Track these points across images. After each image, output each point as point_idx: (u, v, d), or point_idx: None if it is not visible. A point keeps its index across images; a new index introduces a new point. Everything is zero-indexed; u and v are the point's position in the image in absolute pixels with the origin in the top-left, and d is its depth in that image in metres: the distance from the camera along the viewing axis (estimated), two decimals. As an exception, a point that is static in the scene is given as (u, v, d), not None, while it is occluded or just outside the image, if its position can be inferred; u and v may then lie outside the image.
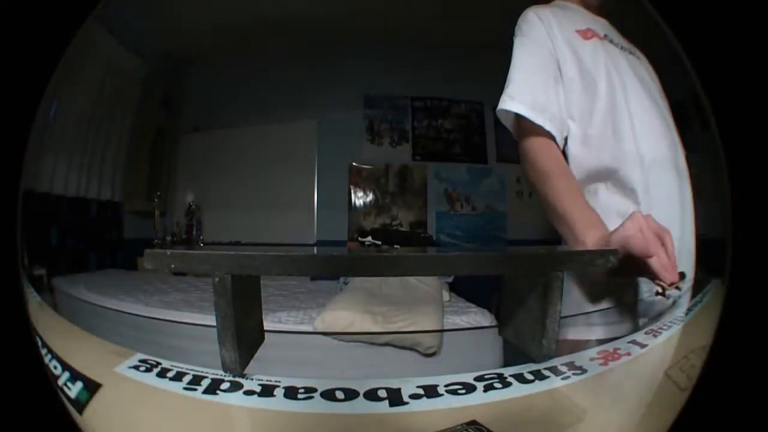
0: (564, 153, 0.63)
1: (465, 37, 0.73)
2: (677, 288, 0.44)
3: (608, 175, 0.60)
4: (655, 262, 0.43)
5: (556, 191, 0.58)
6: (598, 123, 0.61)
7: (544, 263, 0.37)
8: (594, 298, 0.56)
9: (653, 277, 0.43)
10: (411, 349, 0.58)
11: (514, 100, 0.61)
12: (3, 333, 0.48)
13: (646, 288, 0.58)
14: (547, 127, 0.60)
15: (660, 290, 0.44)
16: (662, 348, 0.42)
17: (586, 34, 0.64)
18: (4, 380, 0.47)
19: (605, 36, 0.65)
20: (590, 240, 0.50)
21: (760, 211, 0.50)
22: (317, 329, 0.72)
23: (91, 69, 0.75)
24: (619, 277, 0.48)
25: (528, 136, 0.62)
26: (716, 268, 0.50)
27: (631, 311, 0.54)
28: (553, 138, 0.60)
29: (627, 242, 0.42)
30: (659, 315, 0.49)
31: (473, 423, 0.30)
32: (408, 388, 0.33)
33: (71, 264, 0.73)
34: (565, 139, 0.62)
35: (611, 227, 0.58)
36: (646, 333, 0.44)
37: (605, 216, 0.59)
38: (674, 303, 0.47)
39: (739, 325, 0.47)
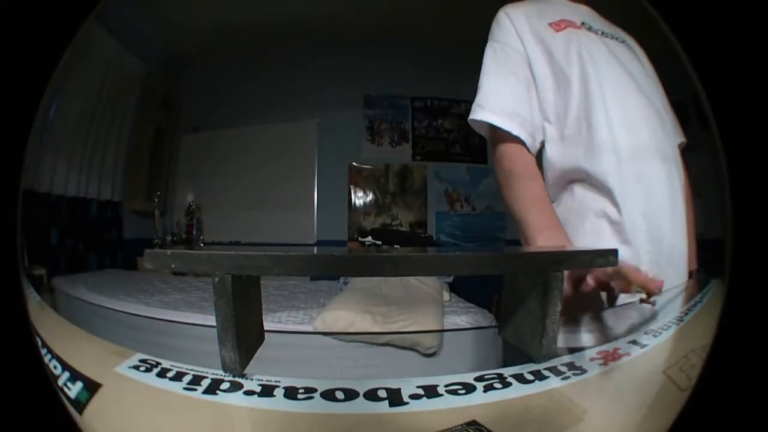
0: (541, 156, 0.63)
1: (465, 37, 0.73)
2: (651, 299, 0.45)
3: (582, 174, 0.59)
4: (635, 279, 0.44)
5: (515, 194, 0.58)
6: (572, 120, 0.60)
7: (544, 263, 0.37)
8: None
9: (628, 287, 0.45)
10: (411, 349, 0.58)
11: (484, 109, 0.61)
12: (3, 333, 0.48)
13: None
14: (516, 132, 0.59)
15: (645, 297, 0.45)
16: (662, 348, 0.42)
17: (559, 25, 0.63)
18: (4, 380, 0.47)
19: (582, 24, 0.64)
20: (540, 243, 0.50)
21: (760, 211, 0.50)
22: (317, 329, 0.73)
23: (91, 69, 0.75)
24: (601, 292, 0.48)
25: (498, 141, 0.61)
26: (716, 268, 0.50)
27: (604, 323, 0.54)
28: (523, 142, 0.60)
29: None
30: (635, 328, 0.49)
31: (473, 423, 0.30)
32: (408, 388, 0.33)
33: (71, 264, 0.73)
34: (543, 143, 0.62)
35: (587, 226, 0.58)
36: (646, 333, 0.44)
37: (581, 216, 0.59)
38: (654, 315, 0.48)
39: (739, 325, 0.47)
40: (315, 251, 0.33)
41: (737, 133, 0.51)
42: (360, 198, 1.06)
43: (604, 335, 0.47)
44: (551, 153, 0.62)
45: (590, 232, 0.58)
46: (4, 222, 0.49)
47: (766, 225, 0.50)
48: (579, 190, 0.60)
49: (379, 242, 1.02)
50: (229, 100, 1.00)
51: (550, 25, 0.63)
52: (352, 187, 1.06)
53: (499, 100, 0.61)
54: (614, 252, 0.37)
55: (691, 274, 0.62)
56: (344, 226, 1.05)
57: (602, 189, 0.58)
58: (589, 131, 0.59)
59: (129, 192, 0.88)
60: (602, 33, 0.64)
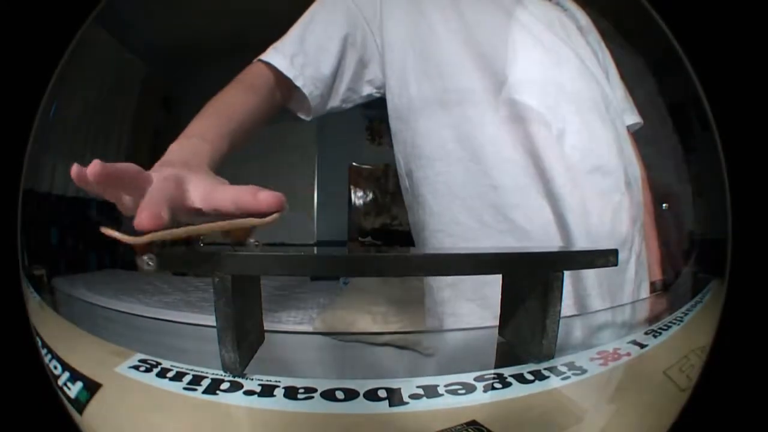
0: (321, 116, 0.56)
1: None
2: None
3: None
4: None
5: (215, 98, 0.50)
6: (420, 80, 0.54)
7: (544, 263, 0.37)
8: None
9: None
10: (411, 349, 0.58)
11: (276, 51, 0.55)
12: (3, 333, 0.48)
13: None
14: (295, 78, 0.52)
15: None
16: (662, 348, 0.42)
17: None
18: (4, 380, 0.47)
19: None
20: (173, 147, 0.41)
21: (760, 211, 0.50)
22: (317, 329, 0.73)
23: (91, 69, 0.75)
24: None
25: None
26: (716, 268, 0.50)
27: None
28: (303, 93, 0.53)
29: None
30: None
31: (473, 423, 0.30)
32: (408, 388, 0.33)
33: (71, 264, 0.73)
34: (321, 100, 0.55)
35: None
36: (645, 333, 0.44)
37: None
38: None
39: (739, 325, 0.47)
40: (315, 251, 0.33)
41: (737, 133, 0.51)
42: (360, 198, 1.06)
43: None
44: (395, 128, 0.58)
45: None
46: (4, 222, 0.49)
47: (766, 225, 0.50)
48: None
49: (379, 242, 1.02)
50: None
51: None
52: (352, 187, 1.06)
53: (296, 45, 0.54)
54: (614, 252, 0.37)
55: (654, 286, 0.58)
56: (344, 226, 1.05)
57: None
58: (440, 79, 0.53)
59: (129, 192, 0.88)
60: None
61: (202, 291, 0.87)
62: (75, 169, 0.28)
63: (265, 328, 0.41)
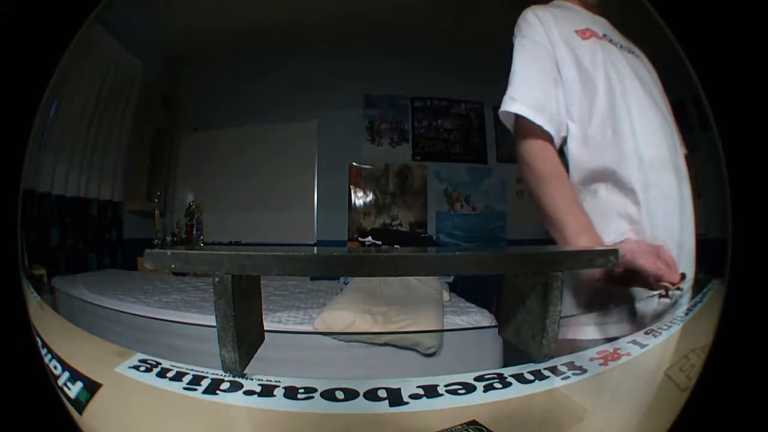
0: (562, 153, 0.63)
1: (465, 37, 0.73)
2: (678, 288, 0.45)
3: (608, 176, 0.60)
4: (652, 268, 0.45)
5: (551, 196, 0.59)
6: (597, 123, 0.61)
7: (544, 263, 0.37)
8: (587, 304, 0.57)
9: (655, 280, 0.45)
10: (411, 349, 0.58)
11: (515, 101, 0.61)
12: (3, 333, 0.48)
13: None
14: (546, 126, 0.60)
15: (663, 292, 0.45)
16: (662, 348, 0.42)
17: (585, 33, 0.64)
18: (4, 380, 0.47)
19: (604, 35, 0.65)
20: (582, 245, 0.51)
21: (760, 211, 0.50)
22: (317, 329, 0.72)
23: (91, 69, 0.75)
24: (620, 285, 0.49)
25: (526, 137, 0.62)
26: (716, 268, 0.50)
27: (631, 312, 0.54)
28: (551, 138, 0.61)
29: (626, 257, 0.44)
30: (659, 316, 0.49)
31: (473, 423, 0.30)
32: (408, 388, 0.33)
33: (71, 264, 0.73)
34: (564, 139, 0.63)
35: (611, 226, 0.58)
36: (646, 333, 0.44)
37: (605, 215, 0.59)
38: (675, 302, 0.48)
39: (739, 325, 0.47)
40: (315, 251, 0.33)
41: (737, 133, 0.51)
42: (360, 198, 1.06)
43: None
44: (575, 152, 0.63)
45: (613, 231, 0.58)
46: (4, 222, 0.49)
47: (766, 225, 0.50)
48: (603, 190, 0.61)
49: (379, 242, 1.02)
50: (229, 100, 1.00)
51: (576, 32, 0.64)
52: (352, 187, 1.06)
53: (531, 94, 0.62)
54: (614, 252, 0.37)
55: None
56: (344, 226, 1.05)
57: (625, 190, 0.59)
58: (615, 137, 0.60)
59: (129, 192, 0.87)
60: (621, 46, 0.66)
61: (202, 291, 0.87)
62: None
63: (265, 328, 0.41)
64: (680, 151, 0.63)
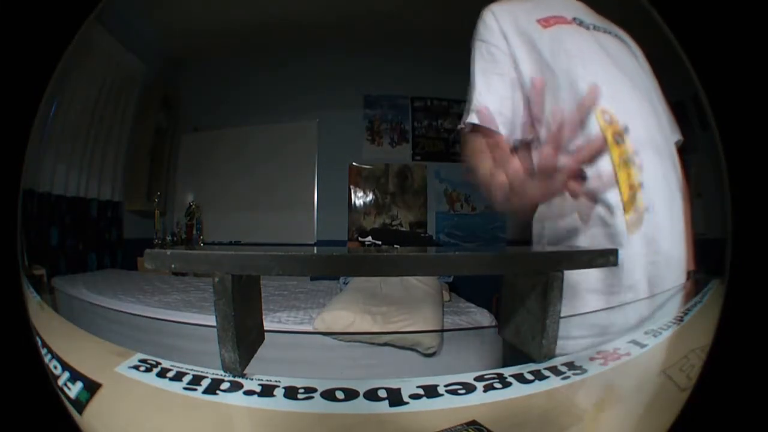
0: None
1: (465, 37, 0.73)
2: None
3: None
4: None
5: (481, 156, 0.56)
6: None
7: (544, 263, 0.37)
8: None
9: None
10: (411, 349, 0.58)
11: (472, 113, 0.61)
12: (3, 333, 0.48)
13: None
14: (500, 130, 0.58)
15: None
16: (662, 348, 0.42)
17: (548, 21, 0.63)
18: (4, 380, 0.47)
19: (573, 19, 0.64)
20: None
21: (760, 211, 0.50)
22: (317, 329, 0.73)
23: (91, 69, 0.75)
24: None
25: (477, 136, 0.61)
26: (716, 268, 0.50)
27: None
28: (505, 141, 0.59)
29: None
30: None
31: (473, 423, 0.30)
32: (408, 388, 0.33)
33: (71, 264, 0.73)
34: (522, 142, 0.62)
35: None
36: (645, 333, 0.44)
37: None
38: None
39: (739, 325, 0.47)
40: (315, 251, 0.33)
41: (737, 133, 0.51)
42: (360, 198, 1.06)
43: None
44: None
45: (588, 236, 0.57)
46: (4, 222, 0.49)
47: (766, 225, 0.50)
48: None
49: (379, 242, 1.02)
50: (229, 100, 1.00)
51: (539, 21, 0.63)
52: (352, 187, 1.06)
53: (486, 102, 0.61)
54: (614, 252, 0.37)
55: (689, 275, 0.61)
56: (344, 226, 1.05)
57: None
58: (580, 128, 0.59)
59: (129, 192, 0.88)
60: (594, 27, 0.64)
61: (202, 291, 0.87)
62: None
63: (265, 328, 0.41)
64: (669, 137, 0.62)
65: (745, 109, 0.52)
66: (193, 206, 0.99)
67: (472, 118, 0.61)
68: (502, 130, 0.59)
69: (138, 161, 0.87)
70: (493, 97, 0.62)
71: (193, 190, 1.00)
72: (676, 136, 0.65)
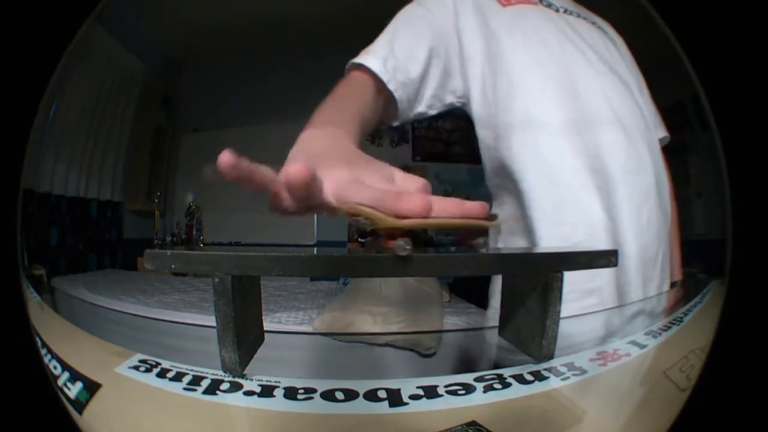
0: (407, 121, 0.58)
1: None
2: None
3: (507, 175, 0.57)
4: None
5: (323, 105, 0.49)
6: (503, 90, 0.58)
7: (544, 263, 0.37)
8: None
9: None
10: (411, 349, 0.58)
11: (369, 55, 0.55)
12: (3, 333, 0.48)
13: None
14: (391, 86, 0.53)
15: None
16: (662, 348, 0.42)
17: (509, 0, 0.62)
18: (4, 380, 0.47)
19: (540, 1, 0.63)
20: (306, 135, 0.40)
21: (760, 211, 0.50)
22: (317, 330, 0.73)
23: (91, 69, 0.75)
24: None
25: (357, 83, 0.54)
26: (716, 268, 0.50)
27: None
28: (393, 99, 0.54)
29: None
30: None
31: (473, 423, 0.30)
32: (408, 389, 0.33)
33: (71, 264, 0.73)
34: (424, 115, 0.58)
35: None
36: (645, 333, 0.44)
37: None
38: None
39: (739, 325, 0.47)
40: (315, 251, 0.33)
41: (737, 133, 0.51)
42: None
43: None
44: (481, 135, 0.61)
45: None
46: (4, 222, 0.49)
47: (766, 225, 0.50)
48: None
49: (379, 242, 1.02)
50: (229, 100, 1.00)
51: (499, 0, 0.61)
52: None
53: (386, 49, 0.55)
54: (614, 252, 0.37)
55: (673, 285, 0.60)
56: (344, 227, 1.05)
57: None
58: (520, 99, 0.56)
59: (129, 192, 0.88)
60: (564, 10, 0.63)
61: (202, 291, 0.87)
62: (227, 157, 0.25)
63: (265, 328, 0.41)
64: (651, 123, 0.60)
65: (745, 109, 0.52)
66: (193, 206, 0.99)
67: (364, 59, 0.54)
68: (393, 88, 0.53)
69: (138, 161, 0.87)
70: (401, 50, 0.56)
71: (193, 190, 1.00)
72: (660, 132, 0.64)
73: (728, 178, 0.50)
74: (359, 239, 1.02)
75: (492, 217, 0.32)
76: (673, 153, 0.66)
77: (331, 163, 0.32)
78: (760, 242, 0.49)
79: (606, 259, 0.37)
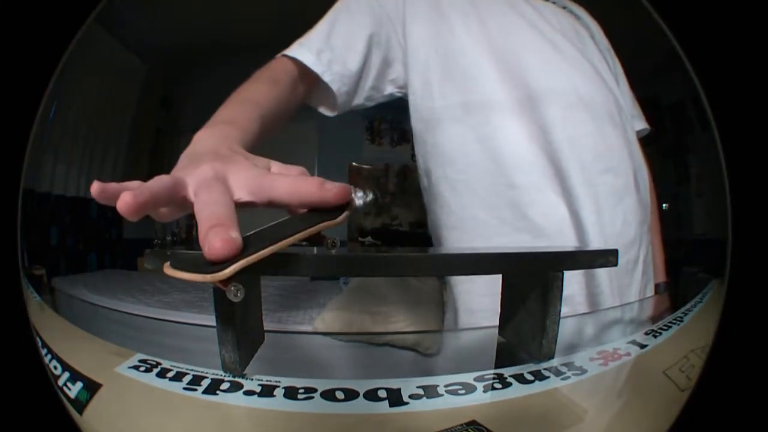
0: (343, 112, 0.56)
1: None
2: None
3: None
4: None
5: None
6: (447, 75, 0.56)
7: (544, 263, 0.37)
8: None
9: None
10: (411, 349, 0.58)
11: (302, 47, 0.54)
12: (3, 333, 0.48)
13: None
14: (326, 78, 0.51)
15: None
16: (662, 348, 0.42)
17: None
18: (4, 380, 0.47)
19: None
20: (202, 135, 0.39)
21: (760, 211, 0.50)
22: (317, 329, 0.73)
23: (91, 69, 0.75)
24: None
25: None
26: (716, 268, 0.50)
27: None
28: (331, 93, 0.53)
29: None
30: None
31: (473, 423, 0.30)
32: (408, 389, 0.33)
33: (71, 264, 0.73)
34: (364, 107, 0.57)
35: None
36: (645, 333, 0.44)
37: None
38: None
39: (739, 325, 0.47)
40: (315, 251, 0.33)
41: (737, 133, 0.51)
42: (360, 198, 1.06)
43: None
44: (417, 129, 0.59)
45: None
46: (4, 222, 0.49)
47: (766, 225, 0.50)
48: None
49: (379, 242, 1.02)
50: (229, 100, 1.00)
51: None
52: (351, 187, 1.06)
53: (322, 40, 0.54)
54: (614, 252, 0.37)
55: (657, 288, 0.59)
56: (344, 226, 1.05)
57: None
58: (472, 83, 0.54)
59: (129, 192, 0.88)
60: None
61: (202, 291, 0.86)
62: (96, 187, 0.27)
63: (265, 328, 0.41)
64: (624, 109, 0.57)
65: (745, 109, 0.52)
66: (193, 206, 0.99)
67: (296, 52, 0.53)
68: (329, 80, 0.52)
69: (138, 161, 0.87)
70: (338, 41, 0.54)
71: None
72: (639, 124, 0.62)
73: (728, 178, 0.50)
74: (359, 239, 1.02)
75: (346, 206, 0.31)
76: (673, 153, 0.66)
77: (199, 164, 0.32)
78: (760, 242, 0.49)
79: (605, 258, 0.37)
